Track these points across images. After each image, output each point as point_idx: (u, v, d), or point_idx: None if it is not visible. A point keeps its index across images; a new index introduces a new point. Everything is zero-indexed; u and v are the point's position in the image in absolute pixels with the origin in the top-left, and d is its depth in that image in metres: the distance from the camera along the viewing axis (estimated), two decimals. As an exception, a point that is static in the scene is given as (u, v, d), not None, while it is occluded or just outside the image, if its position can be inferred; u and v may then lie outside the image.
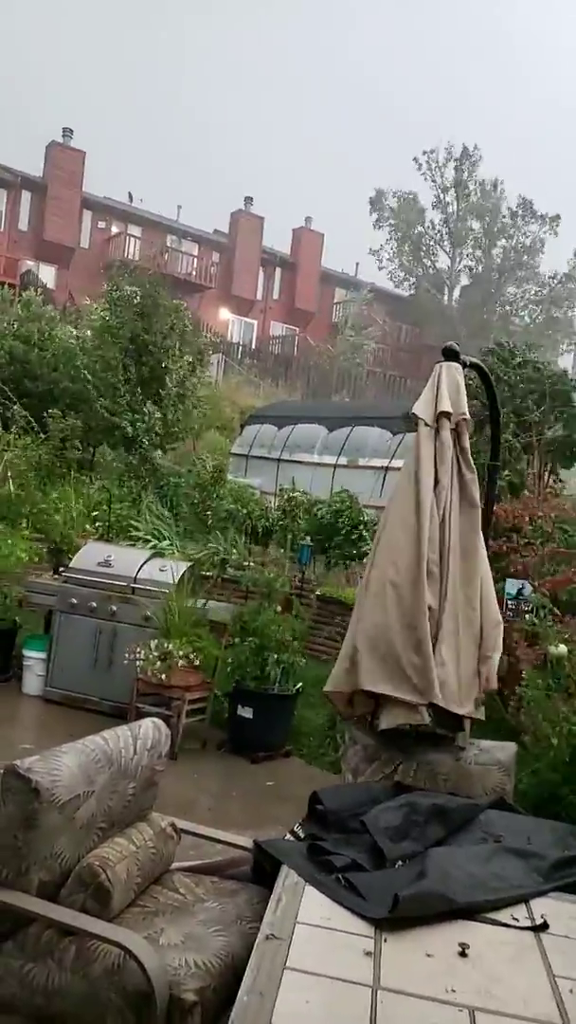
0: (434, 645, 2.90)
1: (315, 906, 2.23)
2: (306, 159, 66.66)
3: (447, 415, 3.15)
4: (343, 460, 12.96)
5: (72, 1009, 2.08)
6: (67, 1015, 2.09)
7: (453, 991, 1.93)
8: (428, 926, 2.19)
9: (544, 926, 2.28)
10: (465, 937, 2.16)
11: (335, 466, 12.94)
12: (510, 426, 9.91)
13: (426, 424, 3.13)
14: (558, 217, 31.85)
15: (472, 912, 2.29)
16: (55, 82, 63.38)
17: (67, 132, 26.37)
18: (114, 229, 27.33)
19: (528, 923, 2.29)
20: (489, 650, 3.03)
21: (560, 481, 9.93)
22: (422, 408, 3.17)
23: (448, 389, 3.25)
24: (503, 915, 2.32)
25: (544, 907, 2.39)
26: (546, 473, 10.07)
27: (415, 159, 32.62)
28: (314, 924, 2.14)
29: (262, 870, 2.54)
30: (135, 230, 27.51)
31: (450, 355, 3.48)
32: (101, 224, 27.32)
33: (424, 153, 32.57)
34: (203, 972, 2.11)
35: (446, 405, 3.16)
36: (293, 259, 30.92)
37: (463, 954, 2.09)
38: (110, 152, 45.80)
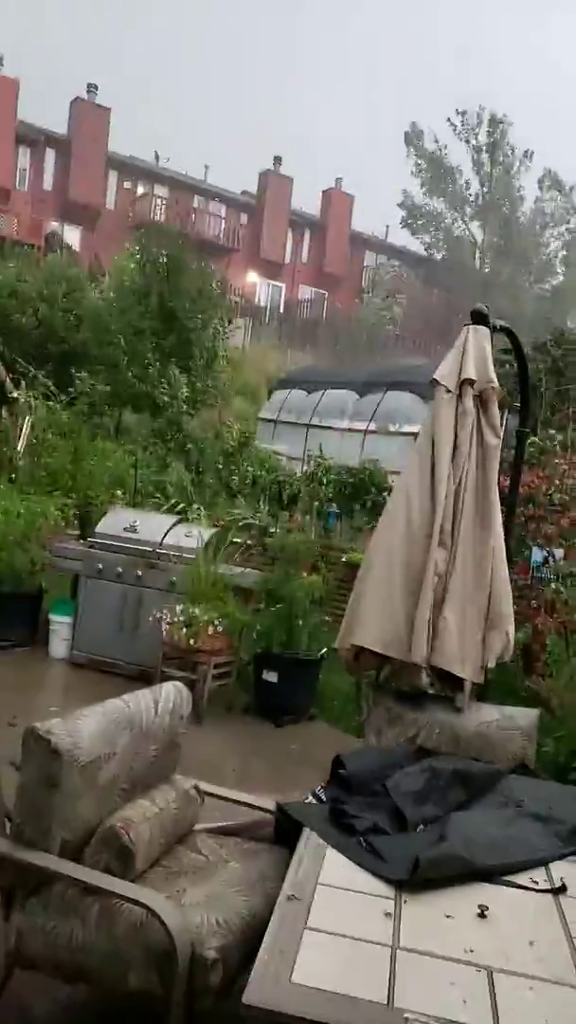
0: (440, 608, 2.89)
1: (336, 868, 2.25)
2: (337, 119, 65.07)
3: (471, 382, 3.08)
4: (373, 426, 12.83)
5: (95, 965, 2.13)
6: (90, 971, 2.15)
7: (472, 951, 1.94)
8: (448, 888, 2.21)
9: (563, 888, 2.28)
10: (484, 899, 2.17)
11: (365, 432, 12.81)
12: (547, 395, 9.75)
13: (447, 390, 3.06)
14: (565, 186, 31.14)
15: (491, 875, 2.29)
16: (78, 37, 62.29)
17: (92, 88, 25.92)
18: (140, 189, 27.01)
19: (547, 886, 2.29)
20: (498, 621, 3.01)
21: None
22: (444, 373, 3.10)
23: (474, 355, 3.17)
24: (522, 878, 2.32)
25: (563, 870, 2.39)
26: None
27: (448, 119, 31.79)
28: (335, 886, 2.16)
29: (284, 832, 2.56)
30: (161, 191, 27.17)
31: (478, 318, 3.38)
32: (127, 184, 27.02)
33: (458, 113, 31.71)
34: (225, 930, 2.15)
35: (471, 372, 3.08)
36: (322, 221, 30.36)
37: (482, 915, 2.10)
38: (135, 110, 45.01)
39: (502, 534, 3.16)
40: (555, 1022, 1.73)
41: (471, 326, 3.31)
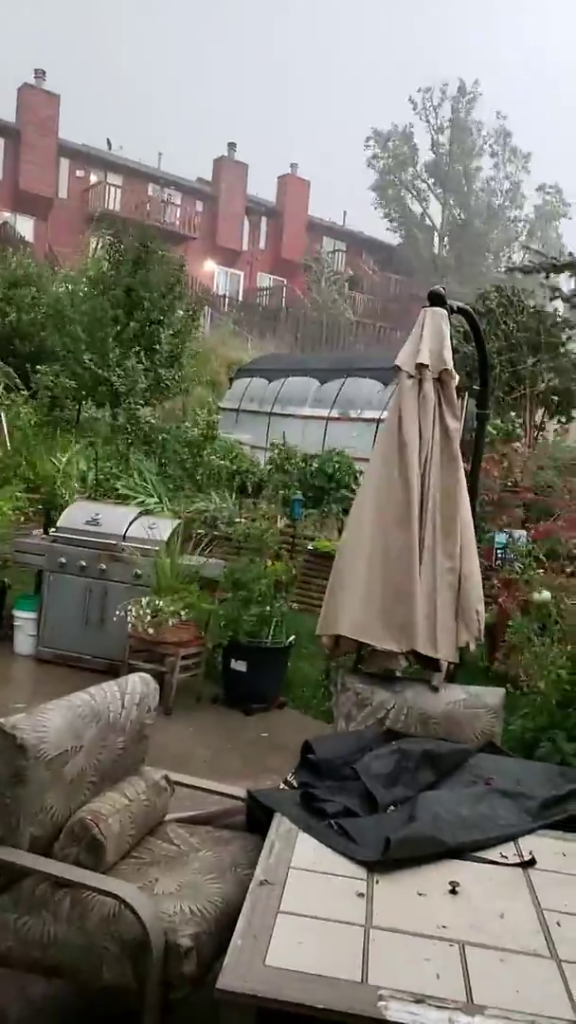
0: (413, 591, 2.91)
1: (308, 852, 2.26)
2: (291, 104, 64.51)
3: (427, 367, 3.09)
4: (335, 413, 12.85)
5: (69, 960, 2.11)
6: (64, 966, 2.13)
7: (444, 927, 1.97)
8: (419, 867, 2.24)
9: (532, 862, 2.33)
10: (455, 876, 2.20)
11: (327, 419, 12.83)
12: (503, 376, 9.85)
13: (409, 375, 3.07)
14: (529, 155, 31.38)
15: (462, 852, 2.33)
16: (25, 21, 60.69)
17: (39, 73, 25.30)
18: (93, 178, 26.51)
19: (517, 860, 2.34)
20: (470, 601, 3.05)
21: (565, 428, 9.90)
22: (404, 358, 3.10)
23: (431, 338, 3.18)
24: (492, 854, 2.36)
25: (532, 844, 2.44)
26: (544, 421, 10.05)
27: (410, 98, 31.80)
28: (307, 869, 2.17)
29: (256, 819, 2.57)
30: (115, 179, 26.71)
31: (436, 300, 3.39)
32: (79, 172, 26.48)
33: (419, 91, 31.76)
34: (198, 918, 2.14)
35: (425, 357, 3.09)
36: (279, 207, 30.17)
37: (453, 892, 2.14)
38: (86, 97, 44.12)
39: (470, 516, 3.19)
40: (525, 990, 1.76)
41: (429, 308, 3.32)
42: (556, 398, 10.04)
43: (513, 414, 9.77)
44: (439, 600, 3.01)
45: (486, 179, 32.32)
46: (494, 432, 8.56)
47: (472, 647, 3.16)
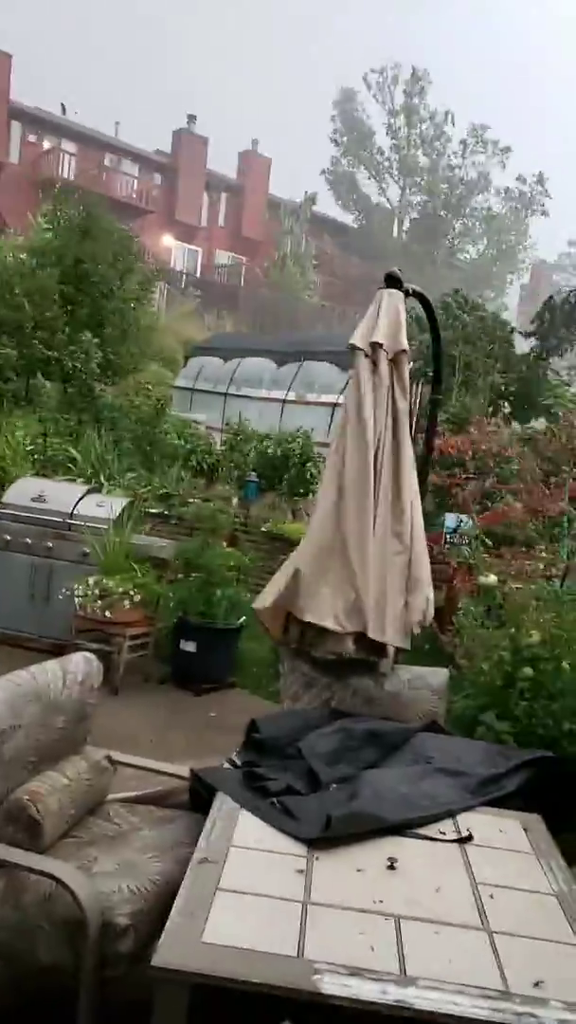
0: (364, 575, 2.92)
1: (249, 830, 2.27)
2: (255, 80, 63.33)
3: (381, 346, 3.09)
4: (292, 395, 12.79)
5: (4, 941, 2.08)
6: (-1, 947, 2.10)
7: (381, 902, 2.00)
8: (359, 844, 2.26)
9: (469, 838, 2.38)
10: (394, 852, 2.23)
11: (284, 401, 12.77)
12: (455, 364, 9.98)
13: (365, 355, 3.06)
14: (509, 149, 31.38)
15: (402, 829, 2.37)
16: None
17: (-10, 33, 24.34)
18: (46, 144, 25.68)
19: (455, 836, 2.39)
20: (418, 584, 3.07)
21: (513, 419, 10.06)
22: (359, 338, 3.10)
23: (386, 318, 3.18)
24: (431, 830, 2.41)
25: (470, 820, 2.50)
26: (497, 412, 10.21)
27: (364, 78, 31.49)
28: (248, 847, 2.18)
29: (200, 798, 2.56)
30: (69, 146, 25.91)
31: (392, 282, 3.39)
32: (32, 137, 25.61)
33: (373, 72, 31.45)
34: (137, 897, 2.13)
35: (381, 336, 3.09)
36: (240, 183, 29.73)
37: (391, 867, 2.17)
38: (39, 59, 42.46)
39: (419, 498, 3.21)
40: (457, 960, 1.81)
41: (385, 290, 3.32)
42: (510, 399, 10.25)
43: (467, 399, 9.89)
44: (389, 584, 3.03)
45: (448, 168, 32.24)
46: (451, 412, 8.67)
47: (416, 631, 3.19)
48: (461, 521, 6.33)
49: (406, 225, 32.89)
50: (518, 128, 44.80)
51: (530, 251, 32.65)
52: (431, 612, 3.23)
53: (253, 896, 1.94)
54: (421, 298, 3.67)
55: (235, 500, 7.81)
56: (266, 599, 3.13)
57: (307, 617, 2.99)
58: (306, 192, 28.13)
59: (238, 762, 2.74)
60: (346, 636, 2.97)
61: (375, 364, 3.08)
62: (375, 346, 3.09)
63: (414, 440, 4.08)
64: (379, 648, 3.12)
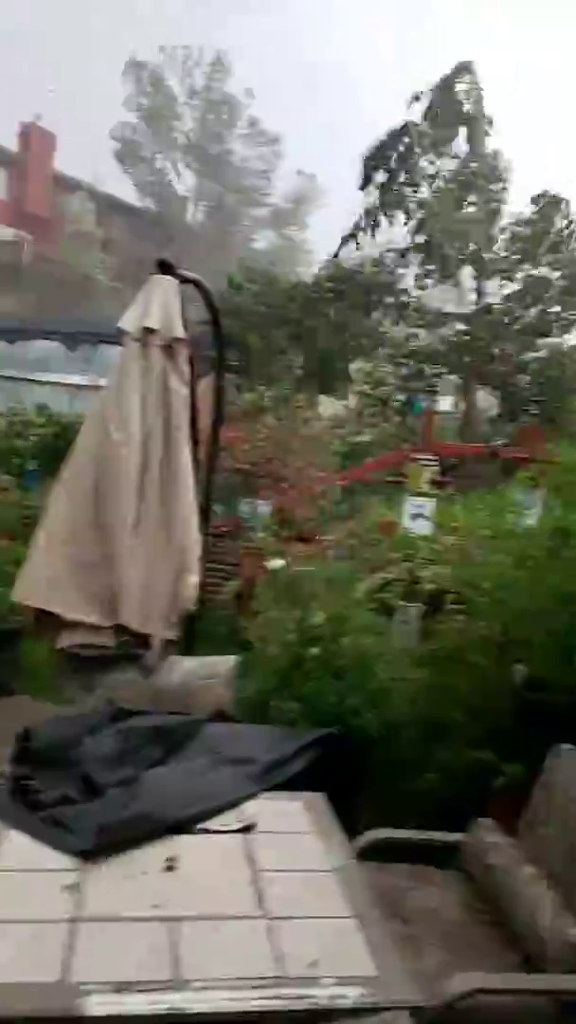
0: (126, 564, 2.84)
1: (16, 850, 2.11)
2: (42, 47, 58.97)
3: (154, 331, 3.01)
4: (85, 380, 12.25)
5: None
6: None
7: (157, 906, 1.93)
8: (137, 848, 2.18)
9: (250, 827, 2.38)
10: (174, 852, 2.17)
11: (76, 387, 12.20)
12: (258, 348, 10.12)
13: (135, 339, 2.96)
14: (278, 139, 32.17)
15: (183, 826, 2.32)
16: None
17: None
18: None
19: (237, 827, 2.38)
20: (184, 570, 3.04)
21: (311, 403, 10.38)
22: (128, 322, 2.99)
23: (158, 305, 3.10)
24: (213, 824, 2.37)
25: (254, 809, 2.49)
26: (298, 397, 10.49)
27: (161, 48, 30.62)
28: (11, 869, 2.02)
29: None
30: None
31: (164, 268, 3.31)
32: None
33: (174, 48, 30.70)
34: None
35: (153, 322, 3.01)
36: (22, 156, 27.85)
37: (170, 868, 2.11)
38: None
39: (191, 485, 3.16)
40: (233, 955, 1.79)
41: (155, 276, 3.23)
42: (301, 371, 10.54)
43: (263, 387, 10.07)
44: (155, 573, 2.97)
45: (241, 157, 32.49)
46: (245, 404, 8.76)
47: (174, 618, 3.15)
48: (253, 506, 6.43)
49: (200, 210, 32.74)
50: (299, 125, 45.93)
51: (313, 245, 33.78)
52: (194, 598, 3.17)
53: (13, 924, 1.79)
54: (197, 284, 3.61)
55: (15, 490, 7.31)
56: (19, 590, 2.93)
57: (55, 608, 2.84)
58: (96, 171, 27.02)
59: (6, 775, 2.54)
60: (102, 629, 2.87)
61: (146, 349, 2.99)
62: (147, 331, 3.00)
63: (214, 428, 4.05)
64: (142, 640, 3.05)
